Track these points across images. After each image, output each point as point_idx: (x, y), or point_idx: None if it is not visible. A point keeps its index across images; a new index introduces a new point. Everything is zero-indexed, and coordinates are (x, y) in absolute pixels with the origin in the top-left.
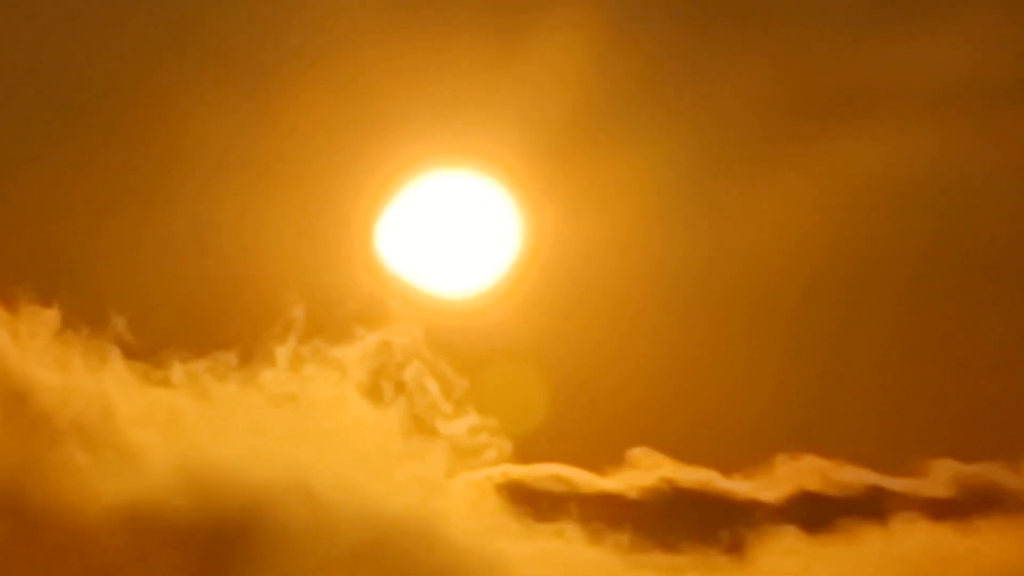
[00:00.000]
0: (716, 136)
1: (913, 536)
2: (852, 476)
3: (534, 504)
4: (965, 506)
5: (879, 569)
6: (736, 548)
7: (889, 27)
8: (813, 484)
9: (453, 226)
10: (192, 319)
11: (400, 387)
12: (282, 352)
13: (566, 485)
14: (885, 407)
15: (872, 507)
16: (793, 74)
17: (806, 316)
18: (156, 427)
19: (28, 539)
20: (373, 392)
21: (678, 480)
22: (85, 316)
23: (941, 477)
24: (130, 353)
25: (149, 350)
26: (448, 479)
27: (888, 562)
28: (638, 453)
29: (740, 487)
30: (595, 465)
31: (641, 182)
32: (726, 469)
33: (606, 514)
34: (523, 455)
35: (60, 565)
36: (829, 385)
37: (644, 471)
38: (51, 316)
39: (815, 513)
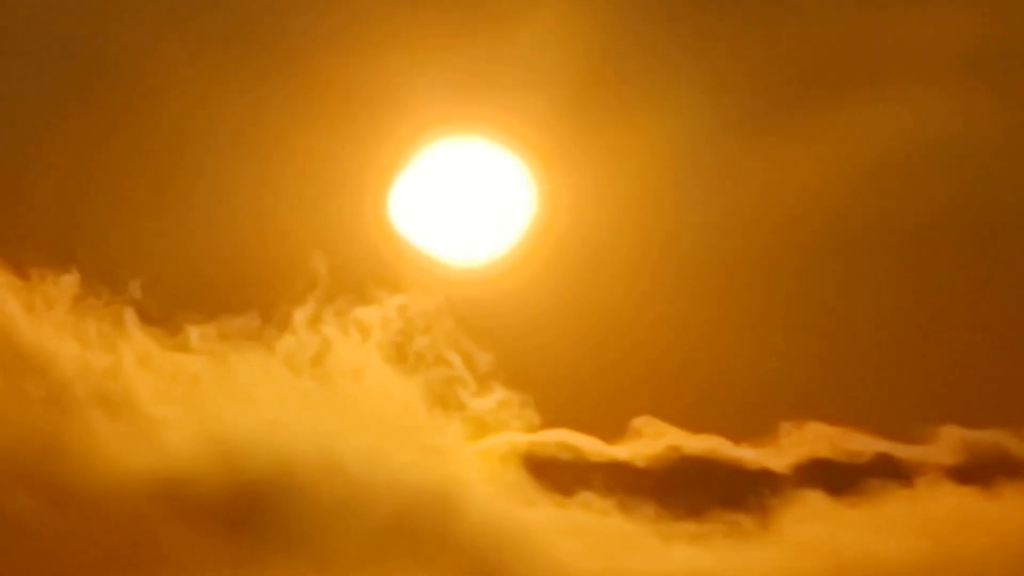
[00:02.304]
0: (729, 103)
1: (932, 502)
2: (860, 443)
3: (551, 474)
4: (973, 473)
5: (899, 533)
6: (760, 515)
7: None
8: (823, 451)
9: (465, 193)
10: (209, 285)
11: (416, 355)
12: (301, 317)
13: (574, 453)
14: (892, 375)
15: (883, 473)
16: (808, 40)
17: (814, 284)
18: (177, 395)
19: (50, 511)
20: (391, 358)
21: (686, 448)
22: (103, 283)
23: (948, 444)
24: (148, 319)
25: (167, 316)
26: (465, 447)
27: (905, 527)
28: (641, 422)
29: (751, 455)
30: (600, 433)
31: (654, 149)
32: (731, 437)
33: (626, 483)
34: (530, 423)
35: (84, 537)
36: (835, 353)
37: (650, 440)
38: (68, 283)
39: (830, 480)
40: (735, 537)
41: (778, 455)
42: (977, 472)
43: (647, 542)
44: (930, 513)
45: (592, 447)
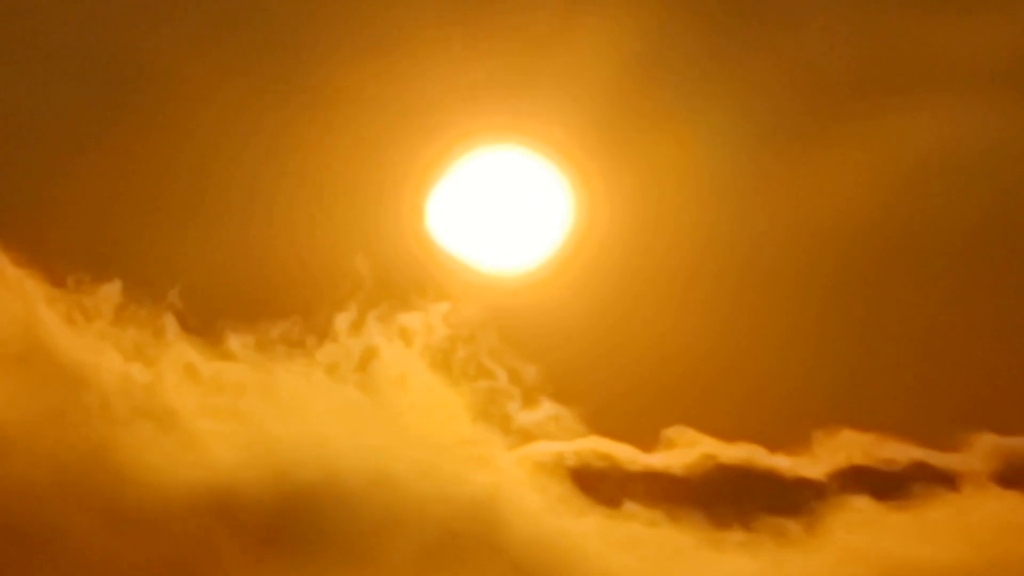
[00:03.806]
0: (766, 113)
1: (977, 508)
2: (893, 451)
3: (594, 484)
4: (1014, 479)
5: (946, 538)
6: (807, 522)
7: (943, 3)
8: (857, 459)
9: (503, 203)
10: (249, 292)
11: (459, 365)
12: (342, 324)
13: (612, 462)
14: (925, 383)
15: (923, 479)
16: (846, 51)
17: (849, 292)
18: (220, 406)
19: (96, 524)
20: (434, 366)
21: (722, 457)
22: (143, 292)
23: (982, 451)
24: (189, 328)
25: (208, 325)
26: (505, 456)
27: (951, 533)
28: (674, 431)
29: (786, 463)
30: (635, 443)
31: (691, 159)
32: (764, 446)
33: (669, 492)
34: (568, 432)
35: (130, 550)
36: (868, 361)
37: (684, 449)
38: (108, 293)
39: (870, 486)
40: (783, 545)
41: (813, 463)
42: (1017, 478)
43: (696, 552)
44: (975, 519)
45: (629, 456)
